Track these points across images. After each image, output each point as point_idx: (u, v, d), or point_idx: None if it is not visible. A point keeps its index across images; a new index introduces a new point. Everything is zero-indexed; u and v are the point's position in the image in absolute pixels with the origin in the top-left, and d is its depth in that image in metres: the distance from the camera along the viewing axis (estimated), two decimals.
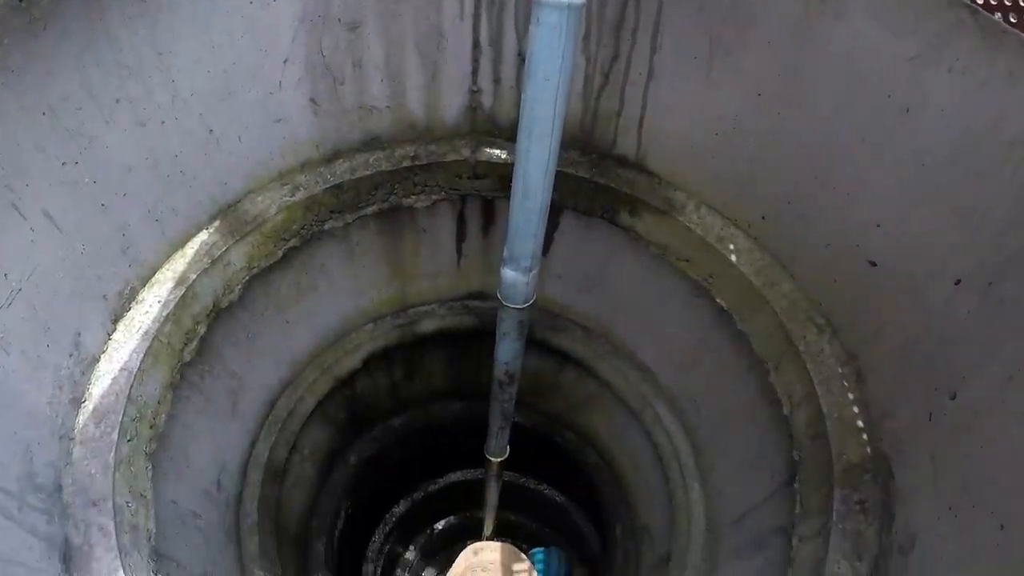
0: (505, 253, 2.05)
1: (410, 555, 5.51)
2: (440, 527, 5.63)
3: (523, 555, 3.61)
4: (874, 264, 1.94)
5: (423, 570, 5.84)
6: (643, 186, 2.49)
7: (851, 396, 2.03)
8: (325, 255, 2.77)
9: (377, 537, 4.87)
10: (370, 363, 3.39)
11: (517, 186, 1.85)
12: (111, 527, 1.72)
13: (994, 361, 1.50)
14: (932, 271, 1.72)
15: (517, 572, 3.52)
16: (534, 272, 2.08)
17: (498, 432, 3.01)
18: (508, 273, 2.10)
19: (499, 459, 3.34)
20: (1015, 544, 1.30)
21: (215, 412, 2.58)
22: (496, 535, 4.79)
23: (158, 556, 1.92)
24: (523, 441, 3.49)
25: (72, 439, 1.84)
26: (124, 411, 1.91)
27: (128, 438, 1.90)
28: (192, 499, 2.36)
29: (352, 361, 3.26)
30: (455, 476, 5.12)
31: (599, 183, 2.46)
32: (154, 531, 1.89)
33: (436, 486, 5.09)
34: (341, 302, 3.09)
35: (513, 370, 2.48)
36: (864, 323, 2.03)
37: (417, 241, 2.96)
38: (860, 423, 1.98)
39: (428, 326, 3.36)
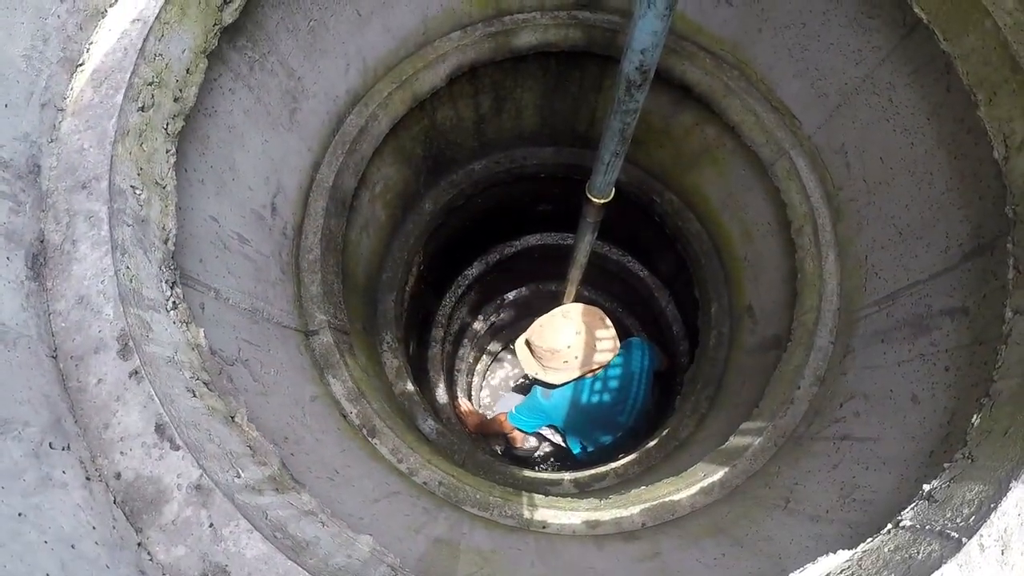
0: None
1: (479, 325, 5.30)
2: (511, 297, 5.36)
3: (608, 322, 3.25)
4: None
5: (489, 342, 5.68)
6: None
7: None
8: None
9: (448, 301, 4.60)
10: (454, 84, 2.82)
11: None
12: (103, 213, 1.20)
13: None
14: None
15: (601, 339, 3.18)
16: None
17: (610, 161, 2.45)
18: None
19: (603, 201, 2.83)
20: None
21: (269, 117, 2.09)
22: None
23: (183, 274, 1.51)
24: (612, 203, 2.98)
25: (62, 109, 1.35)
26: (134, 69, 1.39)
27: (140, 106, 1.40)
28: (239, 220, 1.92)
29: (435, 76, 2.70)
30: (534, 239, 4.72)
31: None
32: (174, 233, 1.41)
33: (513, 249, 4.71)
34: None
35: (649, 64, 1.87)
36: None
37: None
38: None
39: (527, 39, 2.72)
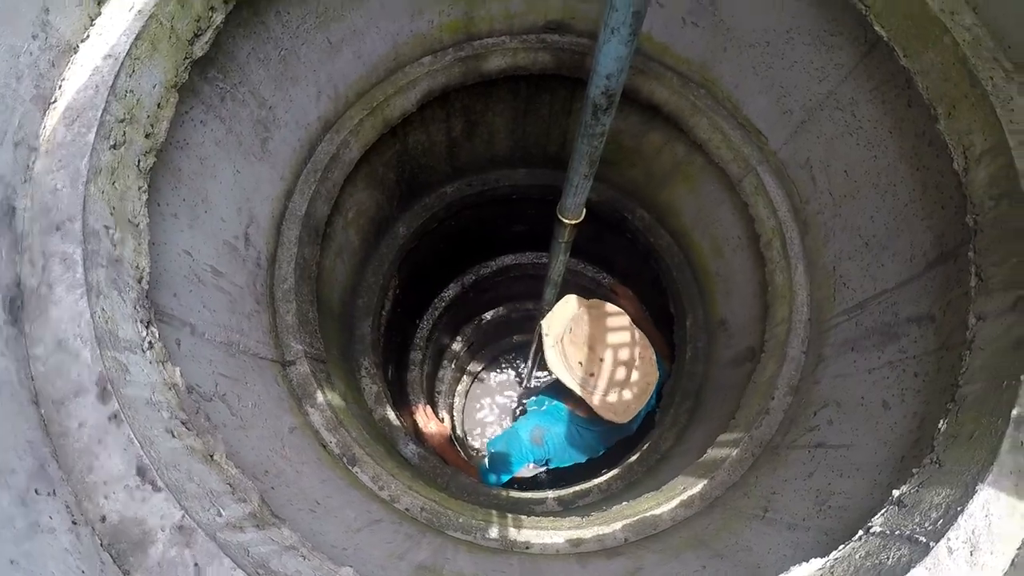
0: None
1: (457, 346, 5.31)
2: (488, 317, 5.39)
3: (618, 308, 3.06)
4: None
5: (469, 362, 5.69)
6: None
7: None
8: None
9: (425, 324, 4.61)
10: (425, 109, 2.86)
11: None
12: (77, 255, 1.19)
13: None
14: None
15: (613, 324, 2.97)
16: None
17: (579, 183, 2.50)
18: None
19: (574, 221, 2.87)
20: None
21: (240, 147, 2.11)
22: None
23: (158, 311, 1.51)
24: (585, 221, 3.01)
25: (35, 148, 1.34)
26: (105, 106, 1.39)
27: (112, 143, 1.40)
28: (212, 252, 1.92)
29: (406, 102, 2.73)
30: (509, 259, 4.75)
31: None
32: (148, 271, 1.41)
33: (488, 269, 4.74)
34: (395, 23, 2.50)
35: (615, 88, 1.92)
36: None
37: None
38: None
39: (496, 63, 2.77)
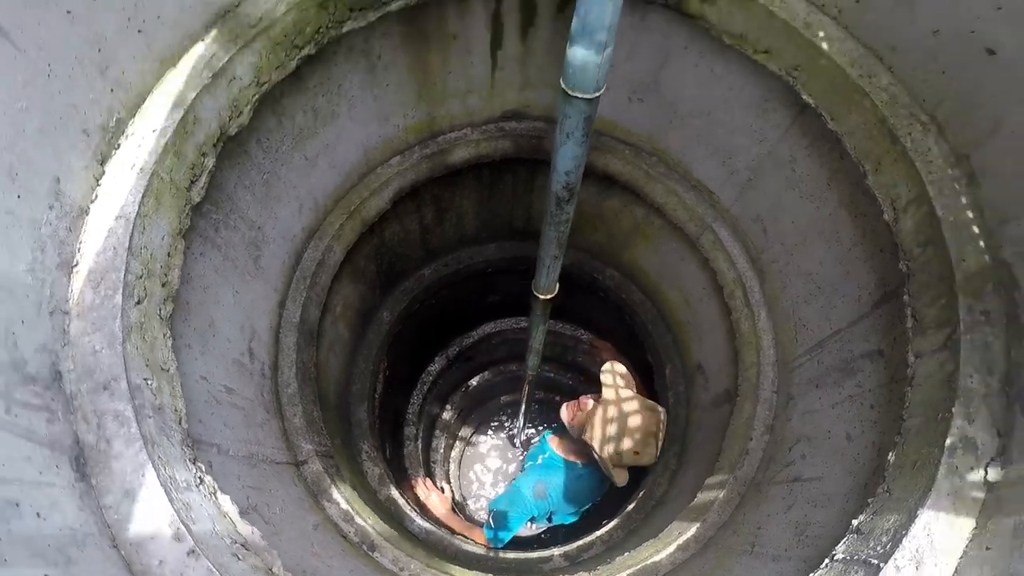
0: (574, 26, 1.68)
1: (447, 415, 5.51)
2: (475, 383, 5.61)
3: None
4: (992, 53, 1.63)
5: (460, 428, 5.88)
6: None
7: (964, 200, 1.77)
8: (344, 72, 2.40)
9: (415, 399, 4.82)
10: (398, 204, 3.10)
11: None
12: (128, 413, 1.37)
13: None
14: None
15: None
16: (609, 51, 1.72)
17: (550, 263, 2.76)
18: (578, 53, 1.72)
19: (548, 296, 3.12)
20: None
21: (236, 269, 2.31)
22: (536, 389, 4.72)
23: (194, 442, 1.65)
24: (559, 282, 3.27)
25: (67, 313, 1.49)
26: (126, 267, 1.56)
27: (136, 300, 1.58)
28: (224, 373, 2.10)
29: (380, 201, 2.97)
30: (489, 327, 5.00)
31: None
32: (184, 412, 1.58)
33: (471, 339, 4.99)
34: (364, 131, 2.75)
35: (574, 182, 2.18)
36: (978, 120, 1.74)
37: (446, 51, 2.57)
38: (976, 228, 1.72)
39: (461, 154, 3.03)
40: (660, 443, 3.22)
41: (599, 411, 3.07)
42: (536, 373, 4.22)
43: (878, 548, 1.35)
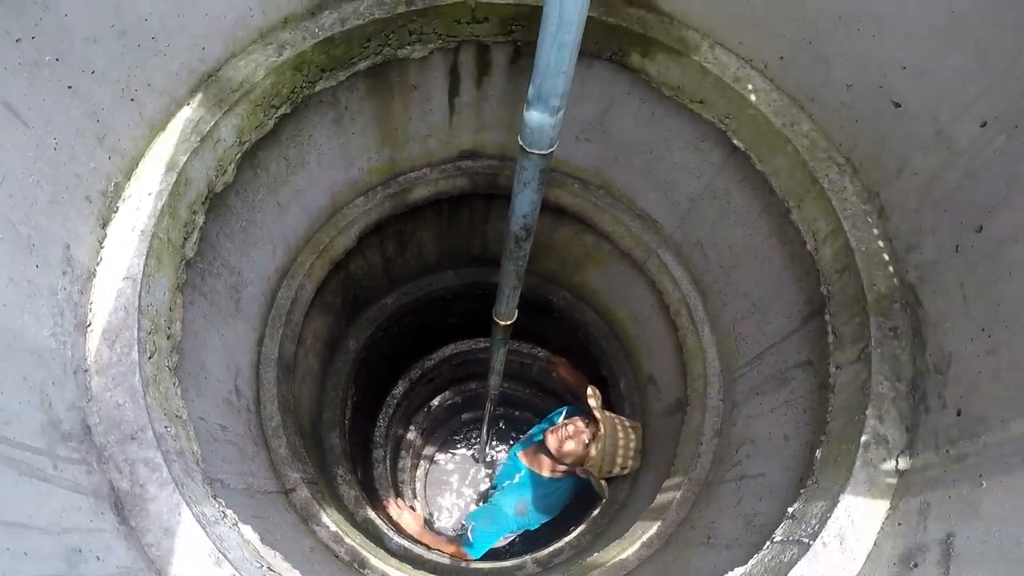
0: (531, 94, 1.96)
1: (412, 435, 5.74)
2: (436, 403, 5.85)
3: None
4: (898, 105, 1.95)
5: (424, 448, 6.11)
6: (654, 25, 2.37)
7: (875, 231, 2.09)
8: (313, 124, 2.63)
9: (382, 422, 5.03)
10: (363, 239, 3.33)
11: (550, 17, 1.72)
12: (158, 459, 1.56)
13: (1020, 195, 1.56)
14: (958, 113, 1.75)
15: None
16: (561, 113, 2.00)
17: (510, 293, 3.04)
18: (534, 115, 2.00)
19: (508, 322, 3.40)
20: None
21: (221, 313, 2.50)
22: (498, 406, 4.99)
23: (208, 480, 1.82)
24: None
25: (86, 370, 1.65)
26: (138, 325, 1.72)
27: (148, 355, 1.74)
28: (217, 411, 2.29)
29: (347, 239, 3.20)
30: (449, 349, 5.26)
31: (608, 22, 2.35)
32: (200, 453, 1.77)
33: (432, 361, 5.23)
34: (331, 176, 2.97)
35: (531, 223, 2.46)
36: (886, 162, 2.06)
37: (407, 100, 2.82)
38: (886, 256, 2.04)
39: (420, 193, 3.27)
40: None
41: (598, 444, 3.32)
42: (498, 392, 4.49)
43: (808, 529, 1.65)
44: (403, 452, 5.61)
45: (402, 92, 2.81)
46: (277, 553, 1.74)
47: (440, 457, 6.39)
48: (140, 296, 1.80)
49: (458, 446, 6.58)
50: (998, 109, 1.63)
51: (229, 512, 1.70)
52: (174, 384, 1.86)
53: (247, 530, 1.71)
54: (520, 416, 6.51)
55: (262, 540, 1.78)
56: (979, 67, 1.67)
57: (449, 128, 3.10)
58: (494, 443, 6.64)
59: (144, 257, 1.87)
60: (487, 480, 6.51)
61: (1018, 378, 1.46)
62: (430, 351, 5.26)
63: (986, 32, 1.64)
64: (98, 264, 1.85)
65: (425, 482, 6.17)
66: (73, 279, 1.73)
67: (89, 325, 1.74)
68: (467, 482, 6.46)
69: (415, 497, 5.77)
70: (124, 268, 1.83)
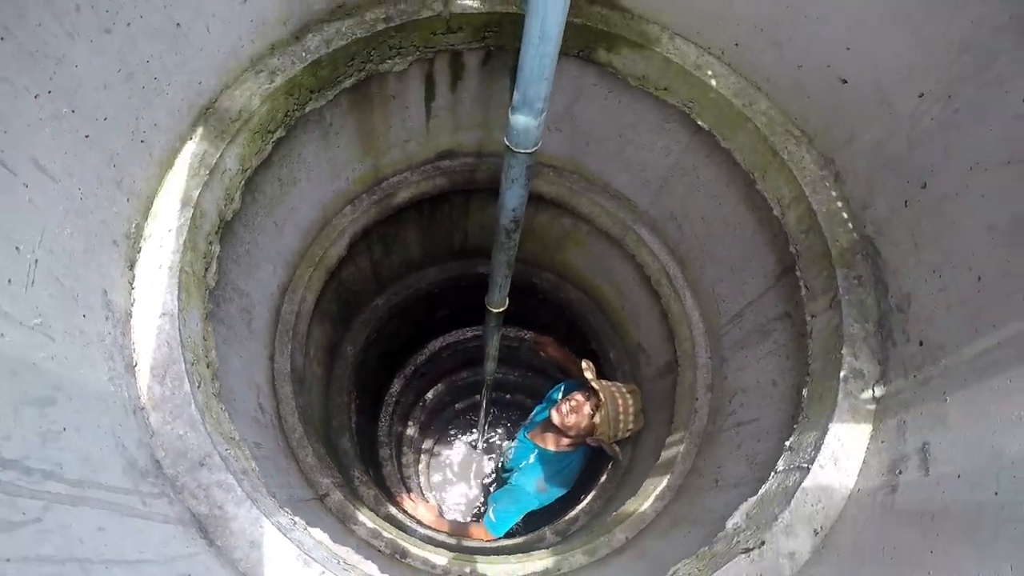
0: (516, 100, 2.19)
1: (411, 431, 5.98)
2: (430, 396, 6.10)
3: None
4: (845, 81, 2.23)
5: (423, 441, 6.36)
6: (617, 22, 2.61)
7: (833, 194, 2.38)
8: (303, 143, 2.80)
9: (384, 421, 5.26)
10: (352, 246, 3.53)
11: (532, 31, 1.95)
12: (231, 480, 1.72)
13: (956, 156, 1.82)
14: (898, 87, 2.03)
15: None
16: (544, 115, 2.25)
17: (502, 282, 3.29)
18: (520, 119, 2.23)
19: (500, 309, 3.64)
20: (989, 288, 1.66)
21: (237, 337, 2.67)
22: (495, 391, 5.24)
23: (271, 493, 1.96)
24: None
25: (143, 408, 1.77)
26: (183, 358, 1.85)
27: (197, 384, 1.87)
28: (250, 431, 2.45)
29: (339, 248, 3.38)
30: (438, 342, 5.49)
31: (572, 22, 2.58)
32: (257, 470, 1.92)
33: (423, 356, 5.46)
34: (321, 190, 3.16)
35: (519, 216, 2.70)
36: (837, 132, 2.34)
37: (387, 109, 3.01)
38: (844, 215, 2.33)
39: (403, 195, 3.48)
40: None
41: (601, 412, 3.52)
42: (493, 377, 4.74)
43: (806, 456, 1.93)
44: (405, 448, 5.84)
45: (382, 103, 3.00)
46: (348, 549, 1.95)
47: (439, 449, 6.65)
48: (180, 330, 1.91)
49: (455, 436, 6.85)
50: (932, 82, 1.91)
51: (298, 519, 1.91)
52: (222, 409, 2.02)
53: (316, 532, 1.92)
54: (511, 400, 6.78)
55: (332, 539, 1.99)
56: (914, 44, 1.94)
57: (427, 132, 3.31)
58: (490, 428, 6.91)
59: (176, 292, 1.98)
60: (489, 465, 6.78)
61: (965, 310, 1.73)
62: (421, 346, 5.49)
63: (918, 12, 1.90)
64: (132, 304, 1.95)
65: (428, 475, 6.42)
66: (115, 323, 1.83)
67: (136, 365, 1.85)
68: (468, 469, 6.73)
69: (422, 490, 6.02)
70: (159, 305, 1.94)
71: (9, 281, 1.40)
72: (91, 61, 1.72)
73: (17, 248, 1.44)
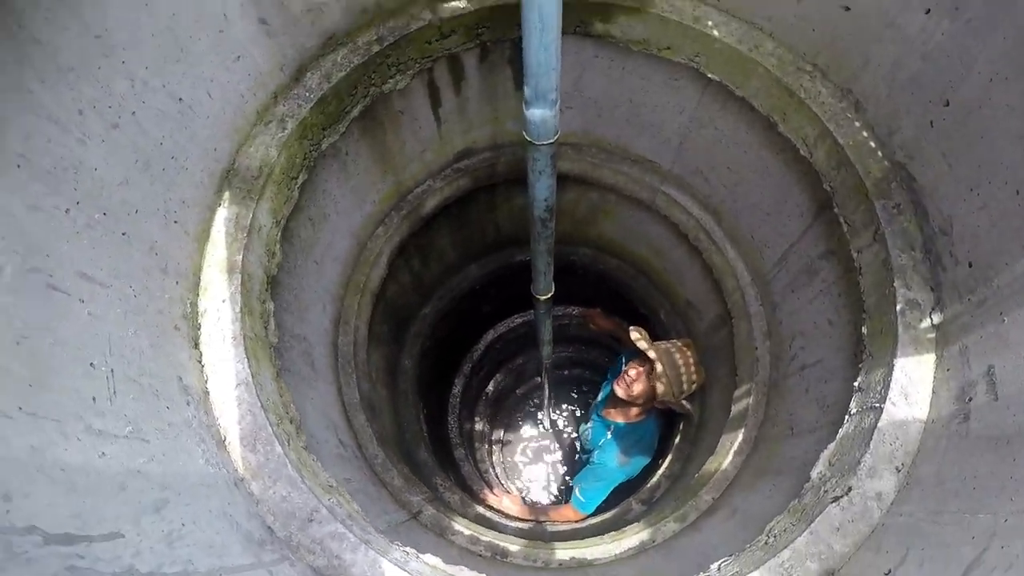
0: (528, 95, 2.24)
1: (480, 426, 6.22)
2: (491, 389, 6.32)
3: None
4: (848, 8, 2.27)
5: (493, 432, 6.59)
6: None
7: (857, 124, 2.42)
8: (324, 179, 2.92)
9: (452, 423, 5.48)
10: (391, 265, 3.67)
11: (532, 24, 2.00)
12: (341, 529, 1.85)
13: (974, 68, 1.86)
14: (903, 5, 2.07)
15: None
16: (558, 104, 2.30)
17: (545, 269, 3.41)
18: (535, 112, 2.30)
19: (547, 296, 3.77)
20: None
21: (304, 380, 2.80)
22: (554, 371, 5.38)
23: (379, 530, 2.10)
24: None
25: (243, 479, 1.88)
26: (269, 422, 1.97)
27: (286, 441, 2.00)
28: (338, 469, 2.59)
29: (379, 270, 3.52)
30: (489, 335, 5.68)
31: (566, 1, 2.66)
32: (360, 511, 2.06)
33: (477, 352, 5.66)
34: (350, 219, 3.29)
35: (552, 204, 2.79)
36: (849, 61, 2.38)
37: (397, 126, 3.12)
38: (872, 144, 2.37)
39: (431, 204, 3.61)
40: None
41: (657, 373, 3.57)
42: (550, 360, 4.89)
43: (876, 396, 2.03)
44: (477, 444, 6.07)
45: (391, 121, 3.10)
46: (462, 567, 2.10)
47: (509, 436, 6.87)
48: (258, 396, 2.02)
49: (522, 421, 7.06)
50: None
51: (410, 548, 2.05)
52: (313, 460, 2.15)
53: (428, 557, 2.07)
54: (569, 375, 6.94)
55: (444, 561, 2.14)
56: None
57: (440, 138, 3.41)
58: (555, 407, 7.10)
59: (246, 360, 2.07)
60: (557, 443, 6.97)
61: (1009, 225, 1.78)
62: (473, 343, 5.68)
63: None
64: (206, 382, 2.04)
65: (504, 464, 6.65)
66: (196, 405, 1.91)
67: (225, 439, 1.96)
68: (541, 451, 6.95)
69: (500, 481, 6.25)
70: (232, 376, 2.04)
71: (94, 399, 1.49)
72: (107, 160, 1.77)
73: (92, 364, 1.51)
